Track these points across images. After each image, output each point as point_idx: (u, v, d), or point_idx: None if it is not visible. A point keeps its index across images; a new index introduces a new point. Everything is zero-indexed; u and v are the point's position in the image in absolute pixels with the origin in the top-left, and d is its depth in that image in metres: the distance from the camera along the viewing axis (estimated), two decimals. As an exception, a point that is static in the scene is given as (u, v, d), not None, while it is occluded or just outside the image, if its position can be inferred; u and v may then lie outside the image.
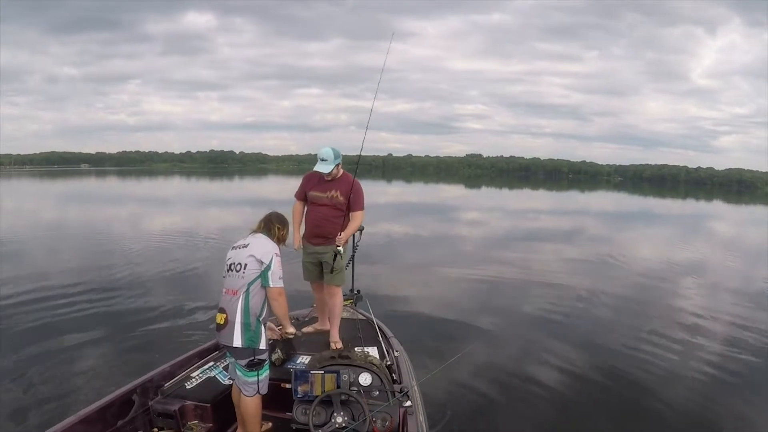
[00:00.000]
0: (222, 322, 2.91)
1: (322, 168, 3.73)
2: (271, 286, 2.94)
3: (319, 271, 3.99)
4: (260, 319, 2.95)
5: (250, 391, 2.95)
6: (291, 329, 3.26)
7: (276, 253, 3.00)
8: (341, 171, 3.89)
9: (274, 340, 3.42)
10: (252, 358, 2.90)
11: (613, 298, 8.43)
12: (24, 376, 4.75)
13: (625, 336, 6.43)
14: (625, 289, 9.25)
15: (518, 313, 7.47)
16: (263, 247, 2.99)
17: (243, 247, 3.01)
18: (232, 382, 3.12)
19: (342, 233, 3.78)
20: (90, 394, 4.15)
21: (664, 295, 8.93)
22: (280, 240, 3.14)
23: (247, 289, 2.90)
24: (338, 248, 3.75)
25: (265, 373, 2.98)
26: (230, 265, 2.98)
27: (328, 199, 3.83)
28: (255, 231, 3.13)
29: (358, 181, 3.93)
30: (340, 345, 3.84)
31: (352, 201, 3.85)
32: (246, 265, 2.92)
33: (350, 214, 3.90)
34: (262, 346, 2.95)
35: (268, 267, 2.93)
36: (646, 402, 4.71)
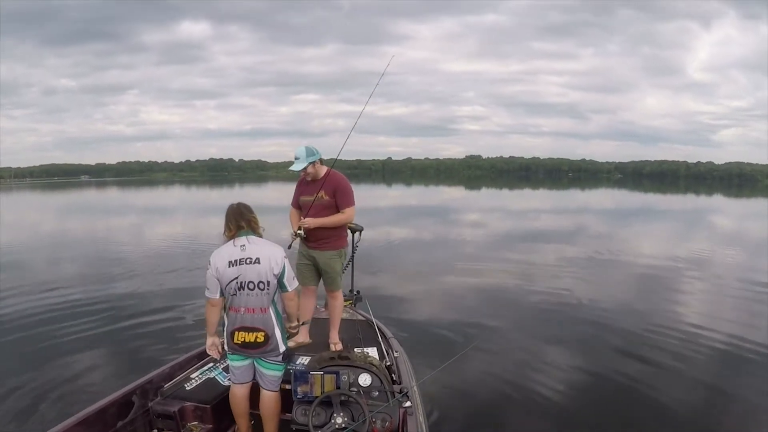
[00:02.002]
0: (261, 340, 2.90)
1: (294, 167, 3.68)
2: (290, 290, 2.98)
3: (311, 274, 3.93)
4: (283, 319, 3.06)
5: (276, 385, 3.05)
6: (296, 323, 3.26)
7: (284, 256, 2.97)
8: (323, 169, 3.78)
9: None
10: (285, 351, 3.04)
11: (615, 298, 8.36)
12: (23, 377, 4.75)
13: (628, 336, 6.37)
14: (627, 288, 9.20)
15: (518, 314, 7.42)
16: (275, 258, 2.90)
17: (252, 262, 2.86)
18: (231, 383, 3.12)
19: (318, 219, 3.68)
20: (89, 395, 4.13)
21: (667, 293, 8.86)
22: (259, 226, 3.04)
23: (274, 302, 2.93)
24: (299, 231, 3.65)
25: None
26: (241, 283, 2.85)
27: (317, 201, 3.73)
28: (236, 234, 2.93)
29: (343, 177, 3.84)
30: (339, 346, 3.85)
31: (339, 198, 3.74)
32: (269, 282, 2.88)
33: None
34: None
35: (282, 274, 2.92)
36: (649, 402, 4.66)
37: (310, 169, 3.69)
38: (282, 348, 2.99)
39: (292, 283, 2.98)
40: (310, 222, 3.68)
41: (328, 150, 3.94)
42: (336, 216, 3.76)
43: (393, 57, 4.57)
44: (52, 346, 5.58)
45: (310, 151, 3.67)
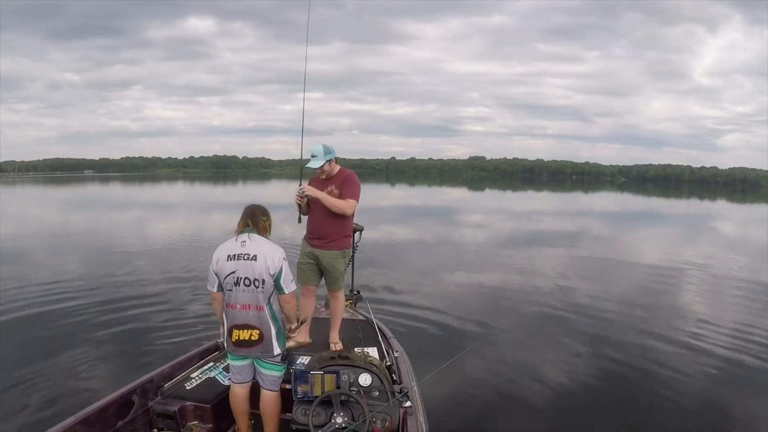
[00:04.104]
0: (256, 338, 2.91)
1: (312, 164, 3.69)
2: (286, 292, 2.96)
3: (313, 274, 3.92)
4: (281, 320, 3.07)
5: (276, 384, 3.06)
6: (295, 324, 3.26)
7: (283, 258, 2.95)
8: (337, 168, 3.80)
9: None
10: (282, 353, 3.03)
11: (618, 300, 8.34)
12: (23, 376, 4.75)
13: (630, 337, 6.36)
14: (630, 290, 9.17)
15: (520, 315, 7.41)
16: (272, 257, 2.89)
17: (250, 258, 2.88)
18: (231, 383, 3.13)
19: (317, 191, 3.68)
20: (90, 394, 4.15)
21: (670, 296, 8.86)
22: (268, 230, 3.06)
23: (269, 302, 2.94)
24: (301, 188, 3.68)
25: None
26: (237, 279, 2.88)
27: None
28: (242, 231, 2.98)
29: (354, 174, 3.86)
30: (340, 345, 3.84)
31: (344, 188, 3.74)
32: (264, 281, 2.88)
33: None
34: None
35: (279, 275, 2.91)
36: (651, 404, 4.66)
37: (326, 167, 3.72)
38: (277, 350, 2.98)
39: (289, 285, 2.96)
40: (309, 189, 3.68)
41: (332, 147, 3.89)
42: (340, 201, 3.71)
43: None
44: (52, 344, 5.58)
45: (327, 150, 3.70)
